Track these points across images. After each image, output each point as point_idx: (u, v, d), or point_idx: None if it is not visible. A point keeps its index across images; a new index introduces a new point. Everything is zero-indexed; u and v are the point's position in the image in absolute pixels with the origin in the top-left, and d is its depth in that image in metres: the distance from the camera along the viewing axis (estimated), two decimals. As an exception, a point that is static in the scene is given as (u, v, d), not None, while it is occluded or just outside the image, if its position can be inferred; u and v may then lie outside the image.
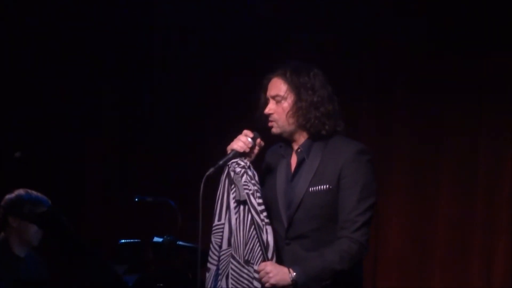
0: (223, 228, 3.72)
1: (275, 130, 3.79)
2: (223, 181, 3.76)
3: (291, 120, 3.76)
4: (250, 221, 3.67)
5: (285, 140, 3.83)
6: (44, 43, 6.98)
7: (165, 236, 4.94)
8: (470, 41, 6.27)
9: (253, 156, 3.80)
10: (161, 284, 4.85)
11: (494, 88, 6.26)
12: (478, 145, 6.30)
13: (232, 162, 3.74)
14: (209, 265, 3.76)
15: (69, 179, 7.01)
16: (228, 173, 3.75)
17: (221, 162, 3.75)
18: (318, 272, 3.60)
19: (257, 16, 6.71)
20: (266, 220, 3.67)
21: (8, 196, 5.07)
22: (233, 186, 3.73)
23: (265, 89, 3.83)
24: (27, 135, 6.84)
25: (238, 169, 3.73)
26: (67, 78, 7.04)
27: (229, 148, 3.78)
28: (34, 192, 5.08)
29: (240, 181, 3.70)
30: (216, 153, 6.83)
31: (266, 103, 3.82)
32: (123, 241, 5.22)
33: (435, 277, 6.29)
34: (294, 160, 3.81)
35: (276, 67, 3.82)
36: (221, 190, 3.76)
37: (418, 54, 6.42)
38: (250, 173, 3.73)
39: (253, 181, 3.71)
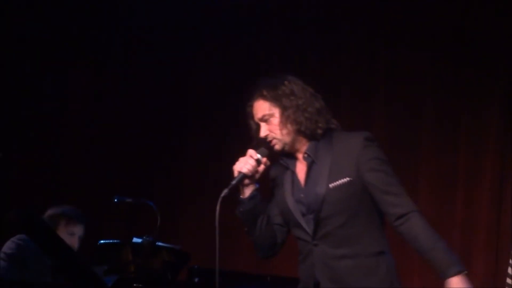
0: None
1: (277, 147, 3.78)
2: None
3: (285, 131, 3.76)
4: None
5: (288, 154, 3.83)
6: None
7: (144, 237, 4.95)
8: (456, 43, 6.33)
9: (259, 175, 3.78)
10: (141, 285, 4.84)
11: (472, 89, 6.33)
12: (457, 145, 6.36)
13: None
14: None
15: (47, 179, 6.99)
16: None
17: (233, 182, 3.70)
18: (450, 254, 3.68)
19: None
20: None
21: None
22: None
23: (251, 116, 3.85)
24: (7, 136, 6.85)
25: None
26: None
27: (235, 169, 3.74)
28: None
29: None
30: (195, 154, 6.79)
31: (258, 129, 3.84)
32: (103, 241, 5.22)
33: (413, 278, 6.32)
34: (300, 167, 3.81)
35: (250, 92, 3.83)
36: None
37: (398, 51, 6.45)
38: None
39: None
